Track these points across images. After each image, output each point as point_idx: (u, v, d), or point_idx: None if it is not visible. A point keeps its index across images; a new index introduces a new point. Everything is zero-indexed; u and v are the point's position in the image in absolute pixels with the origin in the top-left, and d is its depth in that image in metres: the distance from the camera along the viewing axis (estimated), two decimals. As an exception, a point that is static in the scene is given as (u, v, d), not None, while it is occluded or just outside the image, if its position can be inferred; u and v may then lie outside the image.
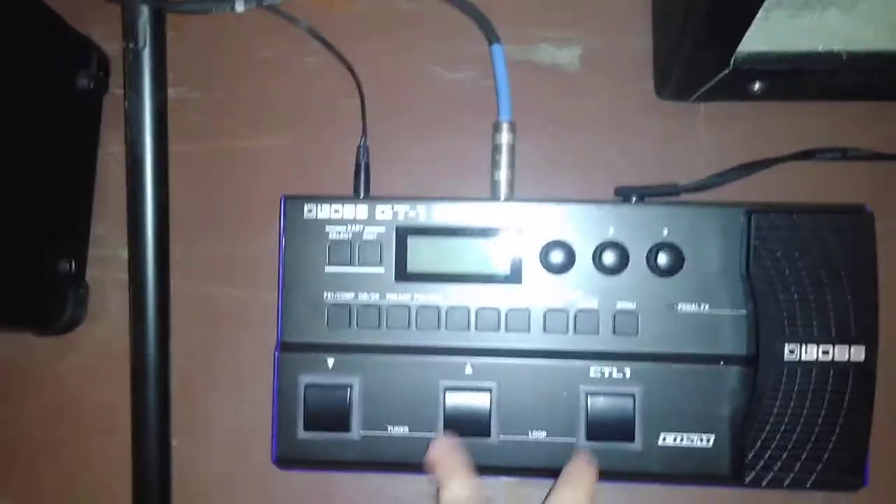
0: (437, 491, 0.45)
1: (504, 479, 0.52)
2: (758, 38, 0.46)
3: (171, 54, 0.52)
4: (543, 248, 0.48)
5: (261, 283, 0.53)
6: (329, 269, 0.49)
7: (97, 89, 0.53)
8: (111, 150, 0.54)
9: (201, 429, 0.53)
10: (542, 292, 0.49)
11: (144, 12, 0.47)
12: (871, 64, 0.47)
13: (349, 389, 0.48)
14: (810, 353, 0.45)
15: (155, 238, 0.48)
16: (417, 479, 0.52)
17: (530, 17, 0.54)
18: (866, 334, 0.45)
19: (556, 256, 0.48)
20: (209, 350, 0.53)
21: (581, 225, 0.48)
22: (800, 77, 0.49)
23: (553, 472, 0.48)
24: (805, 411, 0.45)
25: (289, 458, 0.49)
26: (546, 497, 0.44)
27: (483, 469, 0.47)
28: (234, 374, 0.53)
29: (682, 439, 0.47)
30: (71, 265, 0.51)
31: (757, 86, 0.49)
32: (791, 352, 0.45)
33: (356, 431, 0.48)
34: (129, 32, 0.47)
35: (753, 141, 0.52)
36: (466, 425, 0.48)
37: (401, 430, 0.48)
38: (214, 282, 0.53)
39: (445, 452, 0.46)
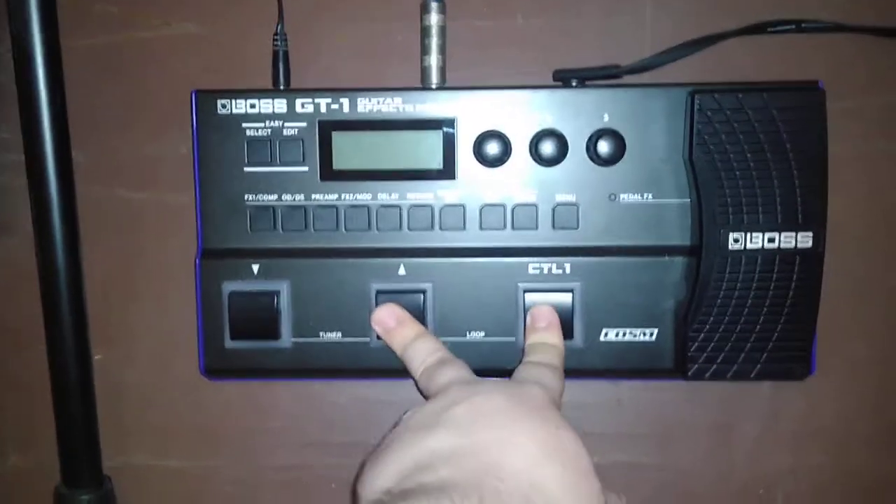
0: (401, 356, 0.44)
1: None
2: None
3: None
4: (477, 139, 0.45)
5: (178, 186, 0.49)
6: (249, 168, 0.46)
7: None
8: (5, 45, 0.49)
9: (125, 340, 0.50)
10: (478, 187, 0.46)
11: None
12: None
13: (276, 296, 0.46)
14: (755, 240, 0.43)
15: (53, 139, 0.44)
16: (352, 384, 0.50)
17: None
18: (814, 220, 0.42)
19: (492, 148, 0.45)
20: (127, 258, 0.50)
21: (517, 113, 0.45)
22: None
23: (492, 372, 0.46)
24: (749, 301, 0.43)
25: (217, 368, 0.47)
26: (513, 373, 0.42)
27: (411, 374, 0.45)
28: (156, 282, 0.50)
29: (624, 334, 0.46)
30: (-32, 173, 0.47)
31: (705, -46, 0.45)
32: (735, 240, 0.43)
33: (286, 339, 0.46)
34: None
35: (703, 15, 0.48)
36: (401, 328, 0.46)
37: (333, 336, 0.46)
38: (128, 185, 0.50)
39: (394, 315, 0.45)
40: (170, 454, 0.51)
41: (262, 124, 0.45)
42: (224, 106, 0.45)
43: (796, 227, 0.42)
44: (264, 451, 0.51)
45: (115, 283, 0.50)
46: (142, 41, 0.50)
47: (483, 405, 0.36)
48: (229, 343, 0.46)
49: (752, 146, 0.42)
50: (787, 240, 0.43)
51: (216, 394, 0.50)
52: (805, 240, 0.42)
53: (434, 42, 0.47)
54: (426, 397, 0.41)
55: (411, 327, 0.44)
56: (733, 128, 0.42)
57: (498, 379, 0.40)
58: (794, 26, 0.47)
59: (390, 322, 0.44)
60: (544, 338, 0.43)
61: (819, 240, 0.42)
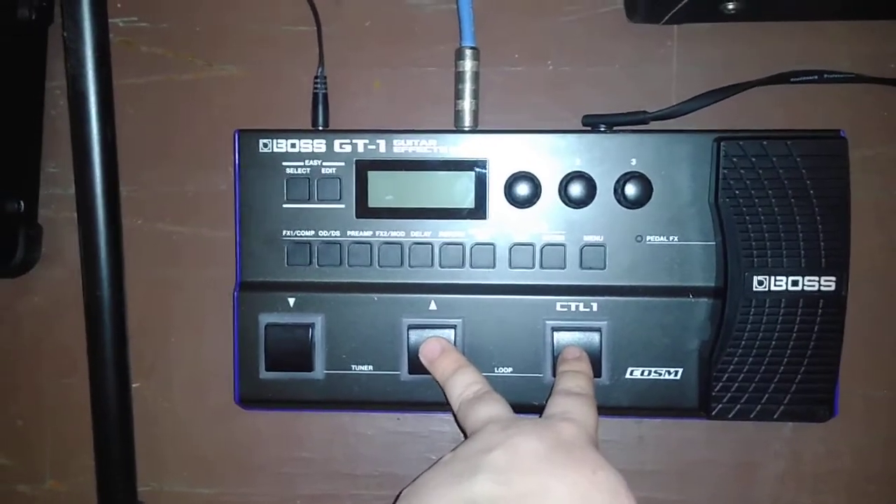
0: (442, 386, 0.45)
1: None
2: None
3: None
4: (508, 180, 0.47)
5: (218, 222, 0.51)
6: (287, 205, 0.48)
7: (40, 20, 0.51)
8: (60, 84, 0.52)
9: (163, 370, 0.52)
10: (508, 226, 0.47)
11: (81, -65, 0.44)
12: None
13: (311, 328, 0.47)
14: (779, 283, 0.44)
15: (103, 175, 0.46)
16: (382, 416, 0.52)
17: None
18: (837, 264, 0.44)
19: (522, 189, 0.47)
20: (167, 290, 0.52)
21: (547, 156, 0.47)
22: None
23: (520, 408, 0.47)
24: (773, 343, 0.44)
25: (251, 398, 0.48)
26: (544, 408, 0.43)
27: (448, 406, 0.46)
28: (194, 314, 0.52)
29: (649, 373, 0.46)
30: (20, 205, 0.49)
31: (731, 4, 0.47)
32: (760, 283, 0.44)
33: (319, 371, 0.47)
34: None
35: (727, 65, 0.50)
36: (431, 363, 0.47)
37: (365, 369, 0.47)
38: (170, 220, 0.52)
39: (439, 346, 0.46)
40: (203, 482, 0.52)
41: (301, 163, 0.47)
42: (266, 145, 0.47)
43: (819, 271, 0.43)
44: (295, 481, 0.52)
45: (154, 313, 0.52)
46: (186, 82, 0.52)
47: (520, 450, 0.37)
48: (264, 374, 0.47)
49: (776, 192, 0.43)
50: (810, 283, 0.44)
51: (250, 423, 0.52)
52: (828, 283, 0.44)
53: (468, 87, 0.49)
54: (462, 429, 0.42)
55: (454, 359, 0.45)
56: (758, 174, 0.43)
57: (534, 418, 0.41)
58: (816, 77, 0.48)
59: (435, 352, 0.46)
60: (574, 367, 0.44)
61: (842, 283, 0.44)
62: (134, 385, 0.51)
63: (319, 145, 0.47)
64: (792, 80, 0.48)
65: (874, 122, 0.49)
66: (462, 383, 0.43)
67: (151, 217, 0.52)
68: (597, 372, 0.46)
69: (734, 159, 0.43)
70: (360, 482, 0.52)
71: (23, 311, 0.52)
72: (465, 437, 0.42)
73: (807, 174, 0.43)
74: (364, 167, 0.47)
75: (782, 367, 0.44)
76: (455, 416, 0.43)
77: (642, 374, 0.46)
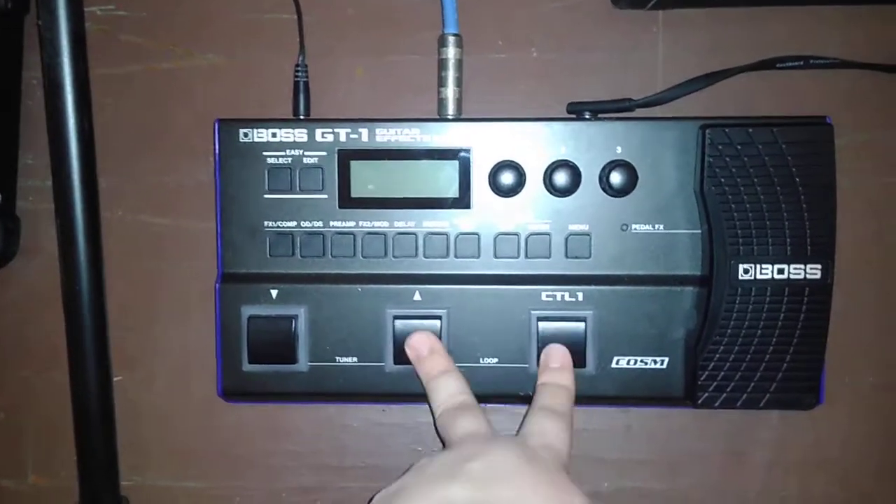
0: (425, 385, 0.45)
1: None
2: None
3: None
4: (493, 169, 0.46)
5: (199, 212, 0.50)
6: (269, 196, 0.47)
7: (16, 9, 0.50)
8: (36, 75, 0.51)
9: (145, 362, 0.51)
10: (492, 216, 0.47)
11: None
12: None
13: (294, 320, 0.47)
14: (765, 272, 0.43)
15: (80, 166, 0.45)
16: (367, 408, 0.51)
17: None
18: (823, 252, 0.43)
19: (506, 178, 0.46)
20: (148, 282, 0.51)
21: (531, 144, 0.46)
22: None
23: (505, 398, 0.47)
24: (759, 331, 0.44)
25: (235, 390, 0.48)
26: (522, 423, 0.43)
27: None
28: (176, 306, 0.51)
29: (635, 362, 0.46)
30: (-3, 197, 0.49)
31: (716, -10, 0.47)
32: (745, 271, 0.43)
33: (303, 363, 0.47)
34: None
35: (714, 50, 0.49)
36: (416, 353, 0.47)
37: (349, 360, 0.47)
38: (150, 211, 0.51)
39: (428, 344, 0.45)
40: (187, 476, 0.52)
41: (282, 153, 0.47)
42: (246, 134, 0.47)
43: (805, 259, 0.43)
44: (280, 473, 0.51)
45: (135, 306, 0.51)
46: (165, 71, 0.51)
47: (499, 463, 0.38)
48: (247, 366, 0.47)
49: (762, 179, 0.43)
50: (796, 271, 0.43)
51: (233, 416, 0.51)
52: (814, 271, 0.43)
53: (451, 74, 0.48)
54: (441, 437, 0.42)
55: (441, 361, 0.45)
56: (743, 161, 0.43)
57: (511, 436, 0.42)
58: (801, 62, 0.48)
59: (423, 350, 0.45)
60: (556, 378, 0.44)
61: (828, 271, 0.43)
62: (116, 378, 0.50)
63: (301, 134, 0.47)
64: (778, 65, 0.48)
65: (862, 109, 0.49)
66: (447, 390, 0.43)
67: (132, 209, 0.51)
68: (582, 361, 0.46)
69: (719, 147, 0.43)
70: (347, 474, 0.51)
71: (2, 304, 0.52)
72: (443, 443, 0.42)
73: (792, 161, 0.43)
74: (346, 156, 0.47)
75: (768, 356, 0.44)
76: (434, 418, 0.43)
77: (628, 363, 0.46)
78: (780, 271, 0.43)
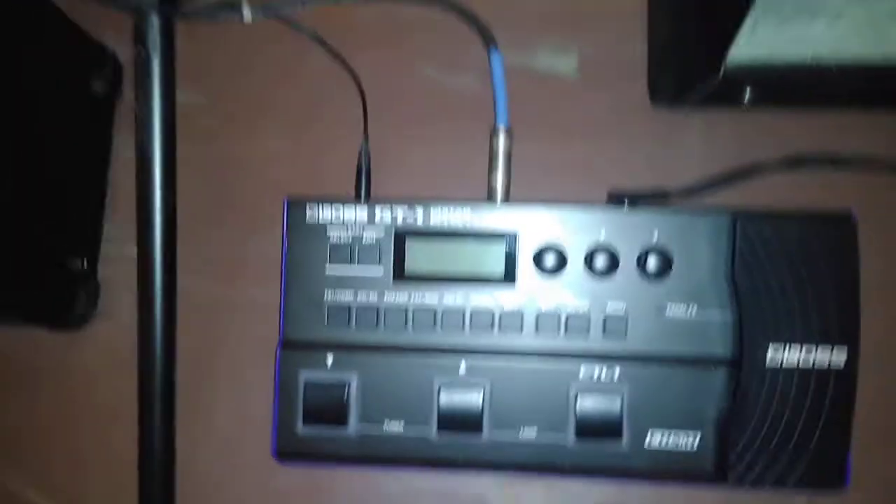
0: None
1: (495, 476, 0.53)
2: (748, 47, 0.48)
3: (180, 60, 0.54)
4: (537, 250, 0.50)
5: (264, 282, 0.54)
6: (330, 269, 0.51)
7: (111, 95, 0.55)
8: (123, 154, 0.56)
9: (203, 422, 0.55)
10: (535, 294, 0.50)
11: (154, 19, 0.49)
12: (859, 73, 0.48)
13: (347, 386, 0.50)
14: (793, 355, 0.46)
15: (163, 237, 0.50)
16: (411, 474, 0.54)
17: (529, 25, 0.56)
18: (848, 338, 0.46)
19: (549, 259, 0.50)
20: (212, 347, 0.55)
21: (573, 228, 0.50)
22: (790, 85, 0.50)
23: (543, 469, 0.50)
24: (787, 412, 0.46)
25: (287, 451, 0.51)
26: None
27: (474, 465, 0.49)
28: (237, 370, 0.55)
29: (668, 438, 0.48)
30: (83, 263, 0.53)
31: (748, 93, 0.50)
32: (774, 354, 0.46)
33: (353, 426, 0.50)
34: (140, 39, 0.49)
35: (745, 148, 0.53)
36: (460, 422, 0.49)
37: (396, 426, 0.50)
38: (219, 280, 0.55)
39: None
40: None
41: (344, 229, 0.51)
42: (312, 212, 0.51)
43: (831, 345, 0.46)
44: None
45: (198, 369, 0.55)
46: (237, 152, 0.56)
47: None
48: (301, 428, 0.50)
49: (790, 268, 0.46)
50: (822, 356, 0.46)
51: (283, 478, 0.54)
52: (839, 357, 0.46)
53: (501, 163, 0.52)
54: None
55: None
56: (772, 251, 0.46)
57: None
58: (828, 161, 0.51)
59: None
60: None
61: (853, 358, 0.46)
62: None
63: (361, 214, 0.51)
64: (806, 164, 0.51)
65: (884, 206, 0.52)
66: None
67: (200, 276, 0.55)
68: (618, 435, 0.48)
69: (750, 236, 0.46)
70: (388, 537, 0.54)
71: (75, 363, 0.56)
72: None
73: (818, 252, 0.46)
74: (402, 235, 0.51)
75: (796, 436, 0.46)
76: None
77: (661, 439, 0.49)
78: (808, 355, 0.46)
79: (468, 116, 0.55)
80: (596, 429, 0.49)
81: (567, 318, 0.50)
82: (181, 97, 0.55)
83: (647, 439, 0.48)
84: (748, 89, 0.50)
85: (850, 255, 0.46)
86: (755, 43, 0.47)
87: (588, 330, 0.50)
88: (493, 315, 0.50)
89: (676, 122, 0.54)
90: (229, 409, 0.55)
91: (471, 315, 0.50)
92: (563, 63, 0.56)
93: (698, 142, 0.54)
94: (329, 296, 0.51)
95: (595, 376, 0.49)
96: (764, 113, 0.53)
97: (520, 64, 0.55)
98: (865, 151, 0.52)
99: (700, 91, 0.50)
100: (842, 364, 0.46)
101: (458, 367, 0.50)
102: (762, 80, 0.49)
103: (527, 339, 0.50)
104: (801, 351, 0.46)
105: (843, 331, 0.46)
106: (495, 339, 0.50)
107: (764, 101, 0.51)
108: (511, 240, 0.50)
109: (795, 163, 0.51)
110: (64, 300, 0.52)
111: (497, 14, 0.54)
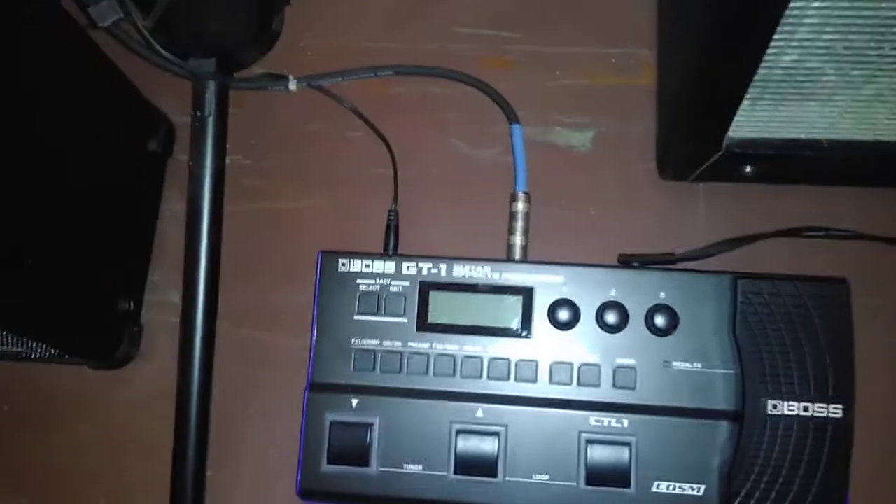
0: None
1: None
2: (747, 125, 0.53)
3: (229, 125, 0.59)
4: (551, 305, 0.54)
5: (294, 330, 0.58)
6: (358, 317, 0.55)
7: (163, 153, 0.61)
8: (171, 207, 0.61)
9: (233, 461, 0.58)
10: (550, 346, 0.53)
11: (211, 86, 0.54)
12: (850, 151, 0.53)
13: (370, 428, 0.53)
14: (791, 408, 0.49)
15: (206, 285, 0.54)
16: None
17: (548, 103, 0.61)
18: (843, 393, 0.49)
19: (563, 314, 0.53)
20: (245, 389, 0.58)
21: (586, 286, 0.54)
22: (787, 161, 0.54)
23: (554, 514, 0.52)
24: (787, 463, 0.49)
25: (312, 489, 0.53)
26: None
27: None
28: (266, 411, 0.58)
29: (674, 487, 0.51)
30: (130, 305, 0.57)
31: (748, 168, 0.55)
32: (773, 407, 0.49)
33: (375, 467, 0.53)
34: (198, 102, 0.54)
35: (747, 218, 0.57)
36: (475, 466, 0.52)
37: (415, 468, 0.53)
38: (254, 327, 0.59)
39: None
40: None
41: (373, 281, 0.55)
42: (344, 265, 0.55)
43: (828, 399, 0.49)
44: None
45: (231, 409, 0.58)
46: (277, 209, 0.61)
47: None
48: (325, 467, 0.53)
49: (788, 327, 0.49)
50: (819, 410, 0.49)
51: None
52: (836, 411, 0.49)
53: (519, 224, 0.57)
54: None
55: None
56: (771, 310, 0.50)
57: None
58: (823, 232, 0.55)
59: None
60: None
61: (849, 411, 0.48)
62: (207, 473, 0.56)
63: (390, 267, 0.55)
64: (802, 234, 0.55)
65: (875, 275, 0.55)
66: None
67: (238, 323, 0.59)
68: (627, 483, 0.51)
69: (750, 296, 0.50)
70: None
71: (116, 400, 0.59)
72: None
73: (814, 312, 0.49)
74: (427, 287, 0.54)
75: (796, 486, 0.48)
76: None
77: (668, 488, 0.51)
78: (805, 409, 0.49)
79: (491, 184, 0.59)
80: (605, 477, 0.51)
81: (579, 370, 0.53)
82: (227, 159, 0.61)
83: (655, 487, 0.51)
84: (748, 164, 0.55)
85: (843, 315, 0.49)
86: (755, 121, 0.52)
87: (599, 381, 0.53)
88: (509, 364, 0.54)
89: (683, 193, 0.58)
90: (259, 448, 0.58)
91: (489, 364, 0.54)
92: (580, 138, 0.61)
93: (704, 212, 0.58)
94: (356, 342, 0.54)
95: (605, 425, 0.52)
96: (765, 188, 0.58)
97: (540, 138, 0.60)
98: (861, 225, 0.56)
99: (703, 165, 0.55)
100: (838, 417, 0.49)
101: (476, 413, 0.53)
102: (761, 155, 0.54)
103: (541, 388, 0.53)
104: (799, 405, 0.49)
105: (840, 386, 0.49)
106: (511, 388, 0.53)
107: (763, 176, 0.56)
108: (527, 294, 0.54)
109: (792, 232, 0.55)
110: (111, 339, 0.56)
111: (520, 92, 0.59)
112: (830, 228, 0.55)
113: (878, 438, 0.53)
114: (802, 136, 0.53)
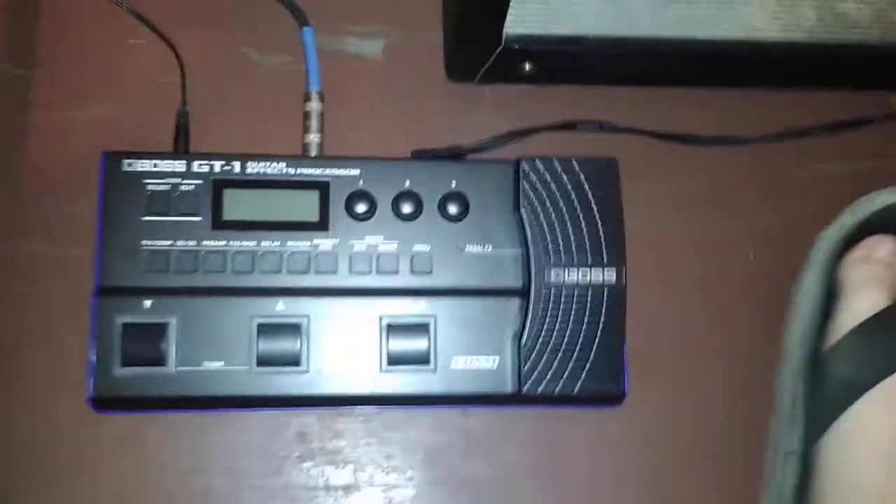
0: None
1: (319, 410, 0.56)
2: (521, 22, 0.56)
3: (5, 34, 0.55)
4: (348, 198, 0.54)
5: (75, 240, 0.55)
6: (147, 218, 0.53)
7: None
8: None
9: (19, 383, 0.54)
10: (348, 237, 0.54)
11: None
12: (614, 48, 0.58)
13: (166, 327, 0.51)
14: (571, 276, 0.53)
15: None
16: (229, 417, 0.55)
17: (339, 13, 0.62)
18: (616, 259, 0.53)
19: (360, 206, 0.54)
20: (20, 307, 0.54)
21: (381, 178, 0.55)
22: (559, 58, 0.59)
23: (358, 401, 0.53)
24: (569, 328, 0.53)
25: (106, 395, 0.51)
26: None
27: (297, 400, 0.52)
28: (49, 327, 0.54)
29: (471, 361, 0.53)
30: None
31: (528, 66, 0.59)
32: (556, 276, 0.53)
33: (173, 367, 0.51)
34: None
35: (532, 117, 0.60)
36: (279, 358, 0.52)
37: (216, 364, 0.52)
38: (27, 238, 0.55)
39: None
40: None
41: (162, 181, 0.53)
42: (130, 164, 0.53)
43: (602, 266, 0.53)
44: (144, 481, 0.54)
45: (9, 329, 0.54)
46: (54, 120, 0.58)
47: None
48: (119, 370, 0.50)
49: (565, 202, 0.53)
50: (596, 275, 0.53)
51: (102, 432, 0.54)
52: (610, 275, 0.53)
53: (314, 123, 0.57)
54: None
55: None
56: (550, 187, 0.53)
57: None
58: (597, 126, 0.60)
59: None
60: None
61: (621, 275, 0.53)
62: (-16, 393, 0.52)
63: (180, 166, 0.53)
64: (578, 127, 0.60)
65: (644, 166, 0.61)
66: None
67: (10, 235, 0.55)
68: (427, 361, 0.53)
69: (530, 174, 0.53)
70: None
71: None
72: None
73: (588, 187, 0.54)
74: (220, 185, 0.53)
75: (577, 348, 0.52)
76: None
77: (466, 362, 0.53)
78: (584, 275, 0.53)
79: (284, 91, 0.59)
80: (407, 357, 0.53)
81: (378, 258, 0.54)
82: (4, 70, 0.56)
83: (453, 363, 0.53)
84: (527, 62, 0.58)
85: (613, 190, 0.54)
86: (526, 17, 0.56)
87: (397, 268, 0.54)
88: (308, 257, 0.54)
89: (471, 95, 0.61)
90: (44, 366, 0.54)
91: (287, 258, 0.54)
92: (370, 46, 0.62)
93: (492, 113, 0.61)
94: (146, 244, 0.52)
95: (405, 309, 0.54)
96: (547, 89, 0.61)
97: (331, 47, 0.61)
98: (631, 120, 0.61)
99: (485, 63, 0.58)
100: (613, 282, 0.53)
101: (276, 306, 0.53)
102: (538, 52, 0.57)
103: (341, 278, 0.54)
104: (578, 273, 0.53)
105: (612, 254, 0.53)
106: (312, 280, 0.54)
107: (544, 76, 0.60)
108: (324, 188, 0.54)
109: (569, 126, 0.60)
110: None
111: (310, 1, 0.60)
112: (604, 122, 0.60)
113: (647, 300, 0.58)
114: (570, 33, 0.57)
